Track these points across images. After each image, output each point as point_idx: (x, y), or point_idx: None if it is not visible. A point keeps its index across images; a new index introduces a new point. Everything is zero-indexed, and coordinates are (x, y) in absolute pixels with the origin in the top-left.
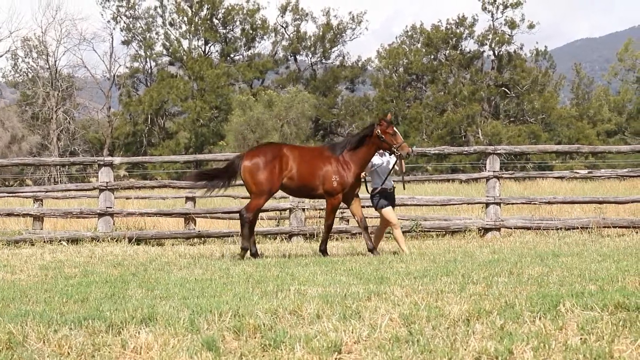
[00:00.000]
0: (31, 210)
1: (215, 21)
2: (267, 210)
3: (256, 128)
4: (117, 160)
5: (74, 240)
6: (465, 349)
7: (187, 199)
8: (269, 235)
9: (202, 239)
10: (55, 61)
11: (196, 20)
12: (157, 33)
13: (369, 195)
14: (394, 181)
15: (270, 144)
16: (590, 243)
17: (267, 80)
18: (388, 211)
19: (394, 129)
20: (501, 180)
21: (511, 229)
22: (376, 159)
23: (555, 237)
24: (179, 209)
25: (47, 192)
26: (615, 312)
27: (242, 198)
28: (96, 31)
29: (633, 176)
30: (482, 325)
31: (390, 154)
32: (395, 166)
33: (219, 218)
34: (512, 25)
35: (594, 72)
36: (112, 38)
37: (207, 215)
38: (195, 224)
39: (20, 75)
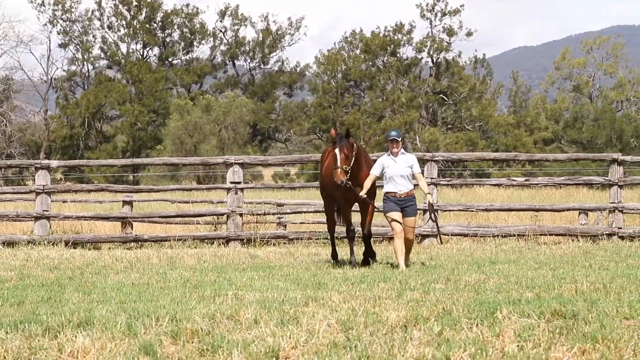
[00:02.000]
0: None
1: (154, 25)
2: (204, 215)
3: (194, 132)
4: (54, 163)
5: (10, 244)
6: (403, 355)
7: (124, 202)
8: (206, 240)
9: (139, 243)
10: None
11: (134, 23)
12: (94, 36)
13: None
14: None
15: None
16: (527, 250)
17: (205, 84)
18: (389, 216)
19: (335, 150)
20: (439, 187)
21: (448, 235)
22: (386, 161)
23: (492, 244)
24: (116, 213)
25: None
26: (552, 320)
27: (180, 202)
28: (33, 34)
29: (569, 184)
30: (419, 331)
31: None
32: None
33: (156, 222)
34: (451, 32)
35: (532, 80)
36: (50, 41)
37: (145, 219)
38: (132, 228)
39: None
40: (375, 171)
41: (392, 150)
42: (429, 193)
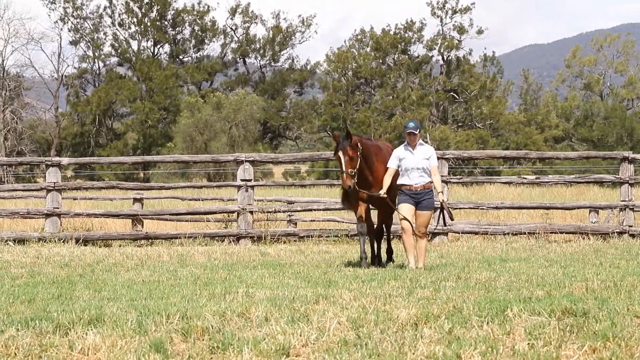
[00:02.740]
0: None
1: (165, 22)
2: (215, 213)
3: (204, 130)
4: (64, 160)
5: (21, 241)
6: (413, 353)
7: (135, 200)
8: (217, 238)
9: (150, 240)
10: (3, 60)
11: (145, 21)
12: (105, 34)
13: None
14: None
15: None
16: (537, 248)
17: (216, 82)
18: (399, 208)
19: (339, 154)
20: (449, 185)
21: (459, 233)
22: (402, 152)
23: (503, 242)
24: (126, 210)
25: None
26: (563, 318)
27: (190, 200)
28: (44, 31)
29: (580, 182)
30: (430, 329)
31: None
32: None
33: (166, 220)
34: (461, 30)
35: (542, 78)
36: (60, 38)
37: (155, 216)
38: (142, 226)
39: None
40: (392, 164)
41: (410, 143)
42: (442, 192)
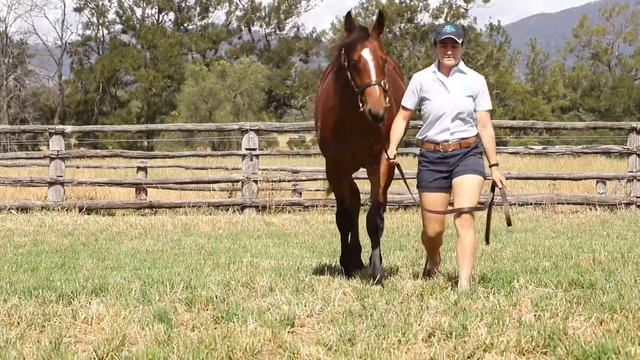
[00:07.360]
0: None
1: None
2: (219, 182)
3: (209, 98)
4: (68, 128)
5: (24, 209)
6: (419, 324)
7: (139, 169)
8: (221, 207)
9: (154, 209)
10: (6, 27)
11: None
12: (110, 0)
13: None
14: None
15: None
16: (544, 219)
17: (221, 50)
18: (421, 197)
19: (364, 54)
20: None
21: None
22: (426, 81)
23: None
24: (130, 179)
25: None
26: (569, 289)
27: (194, 169)
28: None
29: (587, 153)
30: (436, 300)
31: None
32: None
33: (170, 189)
34: None
35: (549, 47)
36: (64, 5)
37: (159, 185)
38: (146, 195)
39: None
40: (408, 102)
41: (442, 61)
42: (496, 164)
